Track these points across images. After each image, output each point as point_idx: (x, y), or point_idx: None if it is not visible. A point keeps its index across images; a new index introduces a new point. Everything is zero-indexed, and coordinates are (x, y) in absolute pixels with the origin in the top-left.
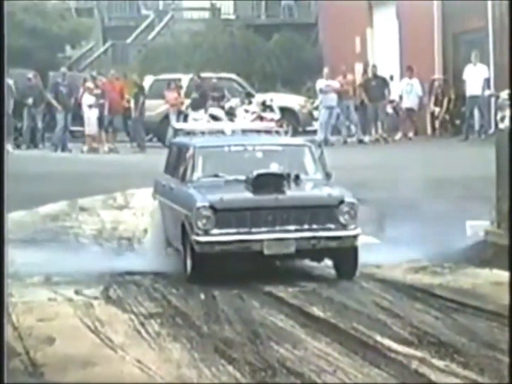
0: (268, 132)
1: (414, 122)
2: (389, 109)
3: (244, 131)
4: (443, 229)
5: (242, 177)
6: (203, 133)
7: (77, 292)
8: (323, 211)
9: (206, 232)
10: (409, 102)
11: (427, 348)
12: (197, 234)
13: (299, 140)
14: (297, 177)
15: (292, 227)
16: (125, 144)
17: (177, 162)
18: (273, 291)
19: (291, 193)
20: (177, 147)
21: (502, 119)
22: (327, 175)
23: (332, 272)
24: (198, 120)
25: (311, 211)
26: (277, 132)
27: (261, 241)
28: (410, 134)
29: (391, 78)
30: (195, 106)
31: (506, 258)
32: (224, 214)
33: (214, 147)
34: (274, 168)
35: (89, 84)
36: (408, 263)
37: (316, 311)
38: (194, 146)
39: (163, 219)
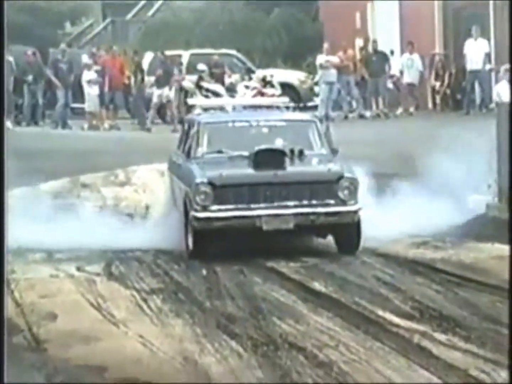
0: (269, 107)
1: (415, 97)
2: (390, 84)
3: (250, 107)
4: (444, 204)
5: (246, 153)
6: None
7: (79, 269)
8: (322, 187)
9: (205, 208)
10: (410, 77)
11: (429, 322)
12: (196, 210)
13: (304, 115)
14: (301, 153)
15: (291, 203)
16: (126, 121)
17: (186, 138)
18: (275, 267)
19: (291, 168)
20: (187, 123)
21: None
22: (333, 151)
23: (334, 247)
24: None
25: (310, 186)
26: (286, 107)
27: (259, 216)
28: (411, 109)
29: (392, 53)
30: (160, 83)
31: (507, 232)
32: (222, 190)
33: (218, 123)
34: (279, 143)
35: (88, 60)
36: (410, 237)
37: (318, 286)
38: (198, 122)
39: (172, 195)
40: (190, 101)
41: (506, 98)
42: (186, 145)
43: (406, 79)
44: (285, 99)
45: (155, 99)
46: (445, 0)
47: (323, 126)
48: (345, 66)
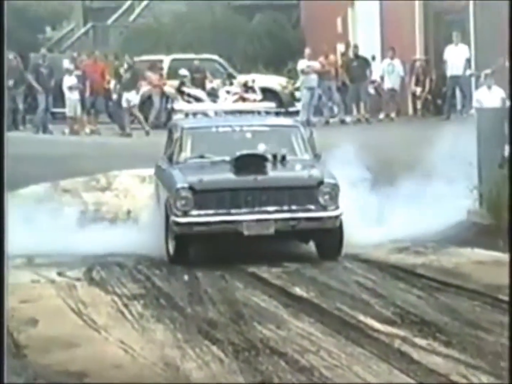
0: (251, 112)
1: (396, 103)
2: (371, 90)
3: (231, 112)
4: (425, 209)
5: (228, 158)
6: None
7: (60, 274)
8: (302, 192)
9: (185, 213)
10: (391, 82)
11: (410, 327)
12: (176, 215)
13: (287, 120)
14: (283, 158)
15: (271, 208)
16: (107, 126)
17: (170, 143)
18: (257, 272)
19: (272, 174)
20: (170, 129)
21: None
22: (316, 156)
23: (316, 252)
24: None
25: (291, 192)
26: (267, 112)
27: (240, 222)
28: (392, 115)
29: (373, 58)
30: (127, 87)
31: (488, 238)
32: (203, 195)
33: (201, 128)
34: (262, 148)
35: (69, 65)
36: (391, 243)
37: (299, 291)
38: (182, 127)
39: (158, 201)
40: (176, 106)
41: (486, 104)
42: (169, 150)
43: (387, 84)
44: (271, 104)
45: (124, 104)
46: (426, 2)
47: (307, 131)
48: (327, 72)
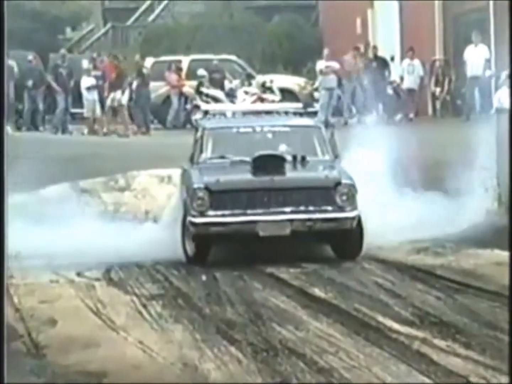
0: (270, 113)
1: (415, 103)
2: (390, 90)
3: (250, 112)
4: (444, 209)
5: (248, 159)
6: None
7: (79, 274)
8: (319, 193)
9: (202, 214)
10: (410, 82)
11: (429, 328)
12: (193, 216)
13: (308, 121)
14: (303, 159)
15: (287, 209)
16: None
17: (193, 144)
18: (275, 272)
19: (290, 174)
20: (195, 129)
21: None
22: (336, 157)
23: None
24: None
25: (307, 192)
26: (285, 113)
27: (255, 222)
28: (411, 115)
29: (392, 59)
30: (113, 86)
31: (507, 238)
32: (219, 196)
33: (222, 128)
34: (283, 149)
35: (88, 65)
36: (410, 243)
37: (318, 292)
38: (203, 127)
39: (181, 201)
40: (204, 106)
41: (507, 104)
42: (192, 151)
43: (406, 84)
44: (295, 105)
45: (108, 102)
46: (446, 3)
47: (328, 131)
48: (351, 71)
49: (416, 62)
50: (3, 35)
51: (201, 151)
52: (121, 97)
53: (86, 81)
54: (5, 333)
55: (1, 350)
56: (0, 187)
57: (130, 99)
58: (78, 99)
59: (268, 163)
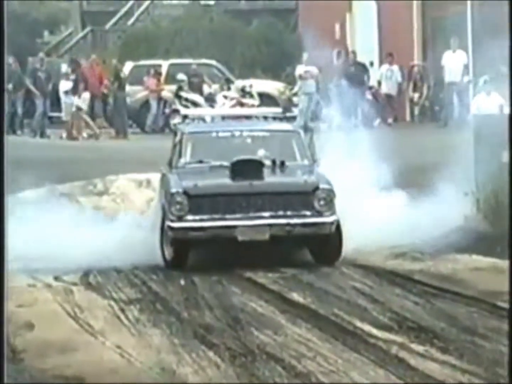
0: (249, 117)
1: (394, 108)
2: (369, 96)
3: (229, 117)
4: (422, 214)
5: (227, 163)
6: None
7: (56, 278)
8: (298, 198)
9: (180, 218)
10: (389, 88)
11: (407, 333)
12: (172, 220)
13: (287, 126)
14: (282, 163)
15: (266, 214)
16: (105, 130)
17: (172, 148)
18: (253, 277)
19: (269, 179)
20: (174, 133)
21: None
22: (315, 162)
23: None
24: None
25: (286, 197)
26: (264, 117)
27: (234, 227)
28: (390, 120)
29: (371, 64)
30: (73, 90)
31: (485, 244)
32: (197, 200)
33: (201, 133)
34: (261, 154)
35: (66, 69)
36: (388, 248)
37: (296, 296)
38: (182, 132)
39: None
40: (184, 111)
41: (484, 110)
42: (171, 155)
43: (385, 90)
44: (277, 109)
45: (73, 108)
46: (425, 6)
47: (306, 136)
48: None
49: (395, 67)
50: (3, 35)
51: (180, 156)
52: (79, 101)
53: (64, 85)
54: (5, 333)
55: (1, 350)
56: (0, 187)
57: (105, 103)
58: (56, 103)
59: (247, 168)
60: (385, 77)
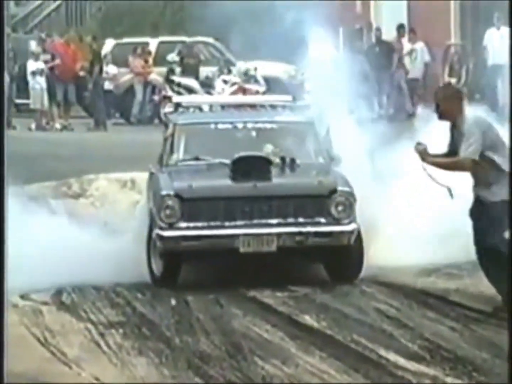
0: (253, 106)
1: (419, 95)
2: (395, 80)
3: (230, 106)
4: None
5: (227, 161)
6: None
7: (23, 297)
8: (311, 202)
9: (171, 226)
10: (413, 71)
11: (441, 365)
12: (161, 228)
13: (299, 117)
14: (292, 161)
15: (273, 221)
16: (81, 121)
17: (163, 143)
18: (258, 296)
19: (277, 180)
20: (165, 125)
21: None
22: (332, 159)
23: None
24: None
25: (297, 201)
26: (271, 106)
27: (235, 236)
28: (419, 110)
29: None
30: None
31: None
32: (192, 204)
33: (197, 124)
34: (268, 150)
35: (36, 48)
36: (419, 263)
37: (309, 320)
38: (174, 123)
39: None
40: (176, 98)
41: None
42: (161, 151)
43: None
44: (287, 97)
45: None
46: None
47: (322, 129)
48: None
49: (419, 45)
50: (3, 36)
51: (171, 152)
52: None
53: (33, 66)
54: (5, 333)
55: (1, 351)
56: (0, 187)
57: (81, 88)
58: (23, 88)
59: (250, 167)
60: (409, 58)
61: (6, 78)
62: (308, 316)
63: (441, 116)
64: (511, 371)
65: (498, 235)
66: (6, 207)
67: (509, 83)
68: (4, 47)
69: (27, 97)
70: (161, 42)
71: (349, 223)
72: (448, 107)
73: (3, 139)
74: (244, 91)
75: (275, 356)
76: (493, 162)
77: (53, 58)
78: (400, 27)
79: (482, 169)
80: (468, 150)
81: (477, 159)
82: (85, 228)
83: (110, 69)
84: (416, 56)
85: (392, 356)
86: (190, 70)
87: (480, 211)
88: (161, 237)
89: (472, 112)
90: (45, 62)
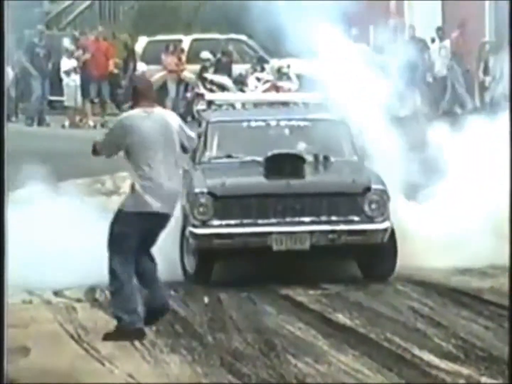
0: (285, 104)
1: (456, 94)
2: (429, 78)
3: (262, 104)
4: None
5: (260, 159)
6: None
7: (56, 293)
8: (344, 200)
9: (204, 223)
10: (443, 68)
11: (476, 364)
12: (194, 226)
13: (332, 114)
14: (326, 159)
15: (306, 219)
16: (114, 118)
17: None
18: (291, 294)
19: (310, 178)
20: (198, 122)
21: None
22: (365, 157)
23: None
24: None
25: (330, 199)
26: (304, 104)
27: (268, 234)
28: (457, 109)
29: (433, 40)
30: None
31: None
32: (225, 202)
33: (230, 122)
34: (301, 148)
35: (69, 45)
36: (453, 261)
37: (342, 318)
38: (207, 121)
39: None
40: (209, 96)
41: None
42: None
43: (440, 71)
44: (321, 95)
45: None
46: None
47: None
48: None
49: (447, 43)
50: (3, 35)
51: (204, 149)
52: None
53: (67, 63)
54: (5, 333)
55: (1, 350)
56: (0, 187)
57: (114, 86)
58: (57, 85)
59: (284, 164)
60: (438, 55)
61: (10, 73)
62: (341, 314)
63: None
64: (511, 371)
65: None
66: (6, 206)
67: (509, 83)
68: (5, 46)
69: (61, 94)
70: (194, 40)
71: (383, 221)
72: None
73: (3, 140)
74: (277, 88)
75: (308, 354)
76: None
77: (85, 55)
78: (439, 29)
79: None
80: None
81: None
82: None
83: (140, 66)
84: (446, 53)
85: (426, 355)
86: (223, 68)
87: None
88: (194, 235)
89: None
90: (78, 59)
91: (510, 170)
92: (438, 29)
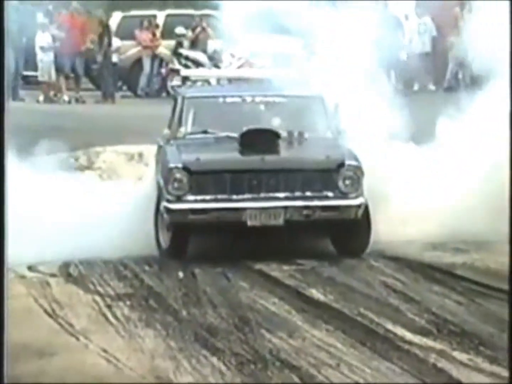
0: (260, 80)
1: (429, 71)
2: (403, 55)
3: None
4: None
5: (235, 135)
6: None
7: (30, 268)
8: (319, 176)
9: (179, 198)
10: (422, 45)
11: (448, 339)
12: (169, 201)
13: (308, 91)
14: (301, 135)
15: (281, 195)
16: (89, 93)
17: (170, 116)
18: (265, 270)
19: (284, 154)
20: (173, 98)
21: None
22: (340, 133)
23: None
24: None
25: (305, 175)
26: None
27: (243, 210)
28: (431, 86)
29: (406, 17)
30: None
31: None
32: (200, 177)
33: (205, 98)
34: (276, 123)
35: (43, 19)
36: (425, 237)
37: (316, 293)
38: (182, 96)
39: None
40: (184, 71)
41: None
42: (169, 124)
43: (419, 48)
44: (295, 72)
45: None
46: None
47: (331, 103)
48: None
49: (427, 19)
50: (3, 35)
51: (179, 125)
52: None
53: (41, 39)
54: (5, 333)
55: (1, 350)
56: (0, 187)
57: (89, 61)
58: (31, 60)
59: (258, 140)
60: (417, 32)
61: (11, 53)
62: (314, 289)
63: None
64: (511, 372)
65: None
66: (6, 206)
67: (509, 82)
68: (4, 47)
69: (35, 69)
70: (169, 15)
71: (357, 197)
72: None
73: (3, 135)
74: (251, 65)
75: (282, 329)
76: None
77: (60, 30)
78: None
79: None
80: None
81: None
82: (92, 201)
83: (114, 41)
84: (425, 30)
85: (399, 330)
86: (199, 44)
87: None
88: (169, 210)
89: None
90: (54, 37)
91: (510, 168)
92: (417, 6)
